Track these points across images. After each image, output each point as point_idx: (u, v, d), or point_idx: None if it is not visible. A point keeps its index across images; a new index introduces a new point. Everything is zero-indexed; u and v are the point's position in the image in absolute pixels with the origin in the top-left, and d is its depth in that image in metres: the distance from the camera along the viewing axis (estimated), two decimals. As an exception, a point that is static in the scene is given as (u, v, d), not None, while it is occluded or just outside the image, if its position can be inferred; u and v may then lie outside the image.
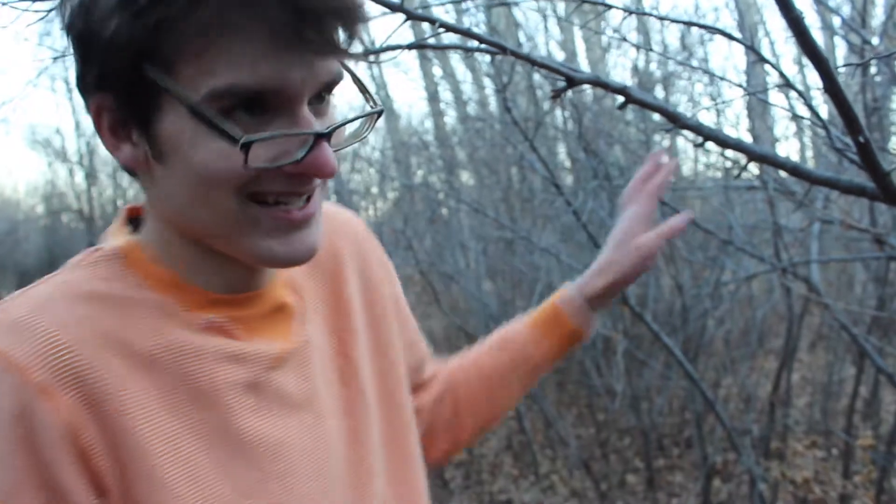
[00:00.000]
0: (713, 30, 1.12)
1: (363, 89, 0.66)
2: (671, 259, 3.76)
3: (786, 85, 1.04)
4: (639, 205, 0.96)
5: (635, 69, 4.04)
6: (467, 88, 6.42)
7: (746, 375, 4.06)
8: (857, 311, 3.37)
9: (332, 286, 0.79)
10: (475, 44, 1.13)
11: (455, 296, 5.72)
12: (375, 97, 0.66)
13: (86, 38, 0.58)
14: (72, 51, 0.60)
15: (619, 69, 5.20)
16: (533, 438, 4.37)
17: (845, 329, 2.46)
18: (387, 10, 0.98)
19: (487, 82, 5.61)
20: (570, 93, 1.05)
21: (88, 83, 0.60)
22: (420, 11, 0.98)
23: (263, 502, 0.64)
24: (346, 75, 0.63)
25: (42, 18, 1.12)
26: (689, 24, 1.12)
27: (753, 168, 2.78)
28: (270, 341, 0.68)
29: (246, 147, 0.55)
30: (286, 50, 0.55)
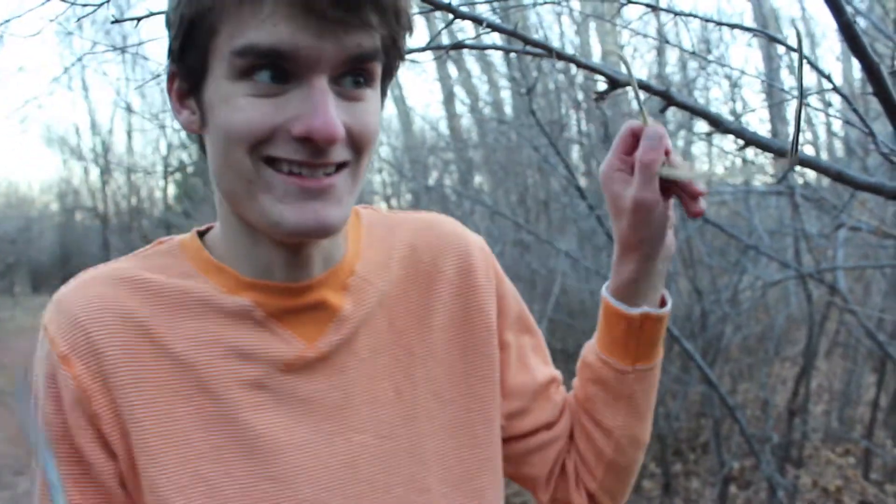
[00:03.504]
0: (756, 32, 1.11)
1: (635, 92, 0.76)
2: (690, 263, 3.74)
3: (832, 90, 1.03)
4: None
5: (659, 74, 4.02)
6: (483, 90, 6.41)
7: (763, 382, 4.03)
8: (882, 317, 3.34)
9: (419, 297, 0.77)
10: (510, 44, 1.12)
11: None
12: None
13: (169, 21, 0.66)
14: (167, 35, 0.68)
15: (635, 72, 5.15)
16: (547, 442, 4.35)
17: (871, 336, 2.44)
18: (432, 8, 0.97)
19: (503, 83, 5.60)
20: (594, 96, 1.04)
21: (169, 57, 0.68)
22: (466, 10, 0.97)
23: (253, 499, 0.67)
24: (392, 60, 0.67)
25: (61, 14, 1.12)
26: (732, 26, 1.11)
27: (770, 170, 2.75)
28: (292, 340, 0.70)
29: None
30: (304, 17, 0.59)
